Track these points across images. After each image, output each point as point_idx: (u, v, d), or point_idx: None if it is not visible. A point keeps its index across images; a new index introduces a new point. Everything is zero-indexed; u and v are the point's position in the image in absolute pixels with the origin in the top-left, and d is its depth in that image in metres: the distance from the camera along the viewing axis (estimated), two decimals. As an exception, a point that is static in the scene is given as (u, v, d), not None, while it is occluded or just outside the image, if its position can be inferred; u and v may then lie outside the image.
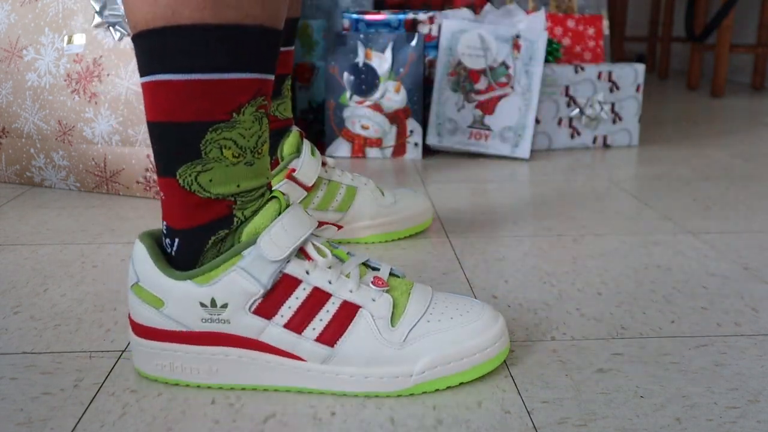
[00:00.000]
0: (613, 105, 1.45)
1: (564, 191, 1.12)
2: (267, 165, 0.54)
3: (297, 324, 0.51)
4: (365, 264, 0.57)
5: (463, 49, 1.36)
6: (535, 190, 1.13)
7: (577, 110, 1.43)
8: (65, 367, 0.56)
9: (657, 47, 3.22)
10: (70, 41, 1.05)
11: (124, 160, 1.05)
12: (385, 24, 1.42)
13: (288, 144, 0.84)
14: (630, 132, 1.48)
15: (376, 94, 1.34)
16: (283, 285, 0.51)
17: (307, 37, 1.47)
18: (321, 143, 1.44)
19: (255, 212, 0.52)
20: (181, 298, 0.51)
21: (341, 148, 1.37)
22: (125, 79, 1.01)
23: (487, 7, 1.46)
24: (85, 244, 0.86)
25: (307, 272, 0.52)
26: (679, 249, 0.85)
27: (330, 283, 0.52)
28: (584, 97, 1.43)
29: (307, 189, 0.83)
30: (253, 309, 0.51)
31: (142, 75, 0.49)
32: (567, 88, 1.42)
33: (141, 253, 0.52)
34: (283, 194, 0.54)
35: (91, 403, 0.51)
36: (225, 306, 0.51)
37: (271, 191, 0.54)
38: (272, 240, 0.50)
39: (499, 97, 1.36)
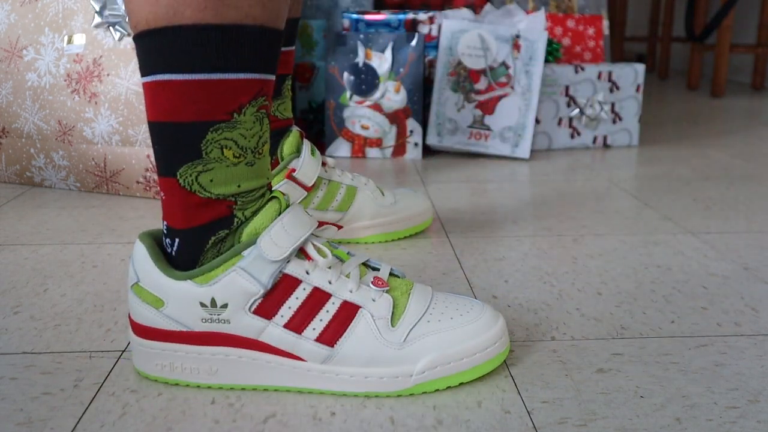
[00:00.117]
0: (613, 105, 1.45)
1: (564, 191, 1.12)
2: (267, 165, 0.54)
3: (297, 324, 0.51)
4: (365, 264, 0.57)
5: (463, 49, 1.36)
6: (535, 190, 1.13)
7: (577, 110, 1.43)
8: (65, 367, 0.56)
9: (657, 47, 3.22)
10: (70, 41, 1.05)
11: (124, 160, 1.05)
12: (385, 24, 1.42)
13: (288, 144, 0.84)
14: (630, 132, 1.48)
15: (376, 94, 1.34)
16: (283, 285, 0.51)
17: (307, 37, 1.47)
18: (321, 143, 1.44)
19: (255, 212, 0.52)
20: (181, 298, 0.51)
21: (341, 148, 1.37)
22: (125, 79, 1.01)
23: (487, 7, 1.46)
24: (85, 244, 0.86)
25: (307, 272, 0.52)
26: (679, 249, 0.85)
27: (330, 283, 0.52)
28: (584, 97, 1.43)
29: (307, 189, 0.83)
30: (253, 309, 0.51)
31: (143, 75, 0.49)
32: (567, 88, 1.42)
33: (141, 253, 0.52)
34: (283, 194, 0.54)
35: (91, 403, 0.51)
36: (225, 306, 0.51)
37: (272, 191, 0.54)
38: (272, 240, 0.50)
39: (499, 97, 1.36)
